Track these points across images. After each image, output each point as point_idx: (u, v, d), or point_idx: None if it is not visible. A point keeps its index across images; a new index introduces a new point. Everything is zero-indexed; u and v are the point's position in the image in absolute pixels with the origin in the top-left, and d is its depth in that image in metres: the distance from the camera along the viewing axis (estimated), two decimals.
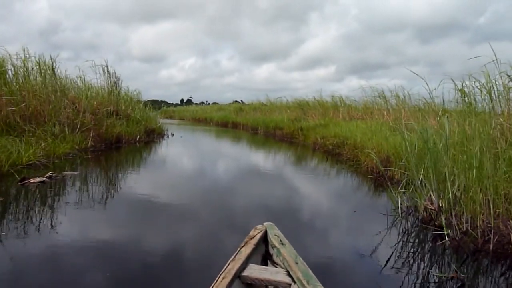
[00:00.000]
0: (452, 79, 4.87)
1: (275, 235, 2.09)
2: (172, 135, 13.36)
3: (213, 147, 11.29)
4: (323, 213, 4.29)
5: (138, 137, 10.22)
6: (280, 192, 5.23)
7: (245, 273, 1.76)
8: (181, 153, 9.43)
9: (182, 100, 77.40)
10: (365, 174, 6.31)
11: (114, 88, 11.64)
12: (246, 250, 1.88)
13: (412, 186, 3.89)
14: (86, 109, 8.74)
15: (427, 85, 5.60)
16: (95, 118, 9.11)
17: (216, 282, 1.58)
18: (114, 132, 9.02)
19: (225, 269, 1.69)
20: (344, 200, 4.91)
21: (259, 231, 2.11)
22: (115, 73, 11.71)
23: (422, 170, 3.72)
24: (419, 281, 2.45)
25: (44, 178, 4.55)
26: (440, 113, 5.96)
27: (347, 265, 2.74)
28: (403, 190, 4.02)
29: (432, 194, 3.46)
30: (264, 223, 2.22)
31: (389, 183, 4.29)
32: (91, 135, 8.14)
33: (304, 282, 1.61)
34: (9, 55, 7.51)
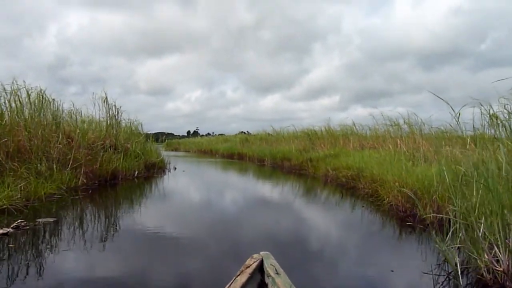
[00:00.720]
0: (480, 103, 4.16)
1: (271, 264, 2.05)
2: (175, 168, 12.60)
3: (217, 182, 10.46)
4: (348, 268, 3.39)
5: (136, 172, 9.46)
6: (295, 238, 4.33)
7: None
8: (182, 190, 8.59)
9: (188, 132, 77.51)
10: (388, 213, 5.42)
11: (113, 120, 11.08)
12: (241, 279, 1.84)
13: (462, 234, 3.02)
14: (81, 144, 8.07)
15: (453, 110, 4.83)
16: (90, 152, 8.43)
17: None
18: (109, 168, 8.29)
19: None
20: (373, 251, 3.95)
21: (255, 260, 2.07)
22: (115, 105, 11.18)
23: (477, 213, 2.88)
24: None
25: (9, 229, 3.75)
26: (468, 140, 5.17)
27: None
28: (446, 240, 3.14)
29: (497, 250, 2.59)
30: (261, 252, 2.17)
31: (433, 231, 3.40)
32: (82, 171, 7.41)
33: None
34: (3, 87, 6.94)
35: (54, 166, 6.84)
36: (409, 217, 4.91)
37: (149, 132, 15.05)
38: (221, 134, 39.30)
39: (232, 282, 1.84)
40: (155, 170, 10.98)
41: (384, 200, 5.83)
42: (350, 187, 8.00)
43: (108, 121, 10.91)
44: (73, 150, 7.84)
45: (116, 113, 11.21)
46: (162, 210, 6.01)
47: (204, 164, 17.83)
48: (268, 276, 2.02)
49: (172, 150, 35.67)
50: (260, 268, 2.11)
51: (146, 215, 5.44)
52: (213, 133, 43.83)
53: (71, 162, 7.48)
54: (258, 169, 14.60)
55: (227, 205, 6.57)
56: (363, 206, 6.08)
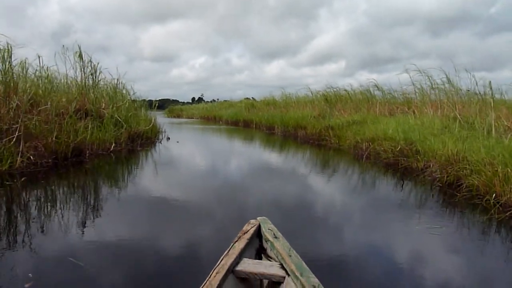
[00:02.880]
0: None
1: (268, 229, 1.98)
2: (168, 139, 10.24)
3: (218, 158, 8.05)
4: None
5: (113, 145, 7.12)
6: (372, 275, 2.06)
7: (239, 267, 1.67)
8: (168, 172, 6.03)
9: (193, 99, 74.70)
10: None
11: (89, 80, 8.64)
12: (239, 245, 1.79)
13: None
14: (26, 107, 5.71)
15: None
16: (51, 120, 6.08)
17: (209, 278, 1.49)
18: (71, 141, 5.95)
19: (218, 264, 1.60)
20: None
21: (252, 225, 2.01)
22: (91, 62, 8.71)
23: None
24: None
25: None
26: None
27: None
28: None
29: None
30: (258, 218, 2.09)
31: None
32: (21, 147, 5.08)
33: (298, 274, 1.52)
34: None
35: None
36: None
37: (149, 99, 12.72)
38: (226, 101, 36.59)
39: (230, 248, 1.75)
40: (141, 141, 8.63)
41: (501, 197, 3.47)
42: (400, 167, 5.63)
43: (82, 81, 8.54)
44: (21, 117, 5.52)
45: (94, 71, 8.79)
46: (134, 209, 3.70)
47: (205, 132, 15.45)
48: (266, 241, 1.95)
49: (175, 117, 33.32)
50: (258, 233, 2.01)
51: (106, 215, 3.17)
52: (217, 99, 41.09)
53: (16, 133, 5.19)
54: (267, 139, 12.22)
55: (231, 200, 4.20)
56: (458, 210, 3.73)
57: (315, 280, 1.47)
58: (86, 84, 8.50)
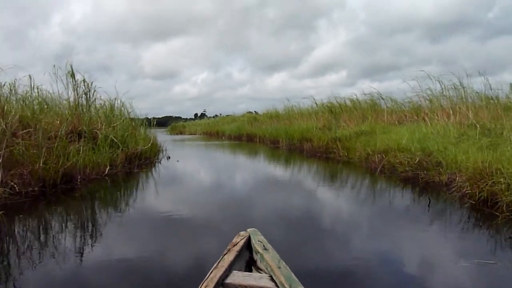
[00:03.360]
0: None
1: (258, 240, 1.94)
2: (169, 158, 9.74)
3: (221, 178, 7.46)
4: None
5: (107, 168, 6.62)
6: None
7: (228, 280, 1.63)
8: (168, 197, 5.51)
9: (196, 115, 74.46)
10: None
11: (82, 100, 8.22)
12: (229, 257, 1.75)
13: None
14: (11, 131, 5.25)
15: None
16: (34, 143, 5.61)
17: None
18: (59, 166, 5.45)
19: (208, 277, 1.57)
20: None
21: (242, 237, 1.97)
22: (85, 81, 8.30)
23: None
24: None
25: None
26: None
27: None
28: None
29: None
30: (248, 229, 2.05)
31: None
32: (1, 176, 4.58)
33: (287, 286, 1.50)
34: None
35: None
36: None
37: (151, 116, 12.41)
38: (229, 115, 36.19)
39: (219, 261, 1.72)
40: (140, 161, 8.14)
41: None
42: (420, 182, 5.07)
43: (76, 101, 8.11)
44: (4, 142, 5.05)
45: (88, 90, 8.36)
46: (126, 238, 3.17)
47: (208, 149, 14.96)
48: (256, 253, 1.91)
49: (177, 134, 32.93)
50: (248, 245, 1.97)
51: (94, 248, 2.64)
52: (220, 114, 40.74)
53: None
54: (272, 153, 11.70)
55: (237, 227, 3.66)
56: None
57: None
58: (80, 104, 8.08)
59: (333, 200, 4.79)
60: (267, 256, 1.78)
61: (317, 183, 6.15)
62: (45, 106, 7.08)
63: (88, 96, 8.32)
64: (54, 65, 8.13)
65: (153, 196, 5.25)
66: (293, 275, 1.59)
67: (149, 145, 8.95)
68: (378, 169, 6.35)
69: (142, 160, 8.31)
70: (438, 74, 13.53)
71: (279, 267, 1.66)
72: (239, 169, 8.44)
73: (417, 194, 4.77)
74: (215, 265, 1.68)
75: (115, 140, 7.53)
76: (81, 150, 6.26)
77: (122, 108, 9.77)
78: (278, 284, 1.58)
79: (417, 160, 5.41)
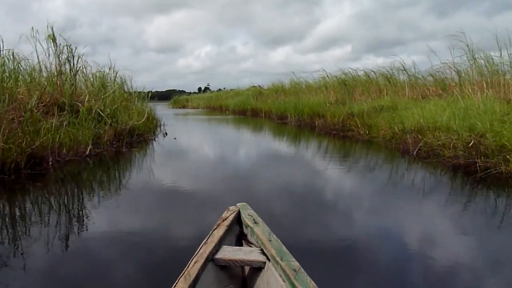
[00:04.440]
0: None
1: (248, 214, 1.85)
2: (166, 134, 8.59)
3: (224, 161, 6.31)
4: None
5: (89, 147, 5.49)
6: None
7: (218, 255, 1.56)
8: (161, 184, 4.44)
9: (199, 89, 72.78)
10: None
11: (65, 67, 7.01)
12: (218, 233, 1.66)
13: None
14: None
15: None
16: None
17: (188, 267, 1.36)
18: (26, 146, 4.31)
19: (197, 253, 1.49)
20: None
21: (232, 212, 1.87)
22: (68, 46, 7.06)
23: None
24: None
25: None
26: None
27: None
28: None
29: None
30: (237, 204, 1.95)
31: None
32: None
33: (278, 259, 1.42)
34: None
35: None
36: None
37: (154, 90, 11.24)
38: (232, 89, 34.66)
39: (209, 236, 1.63)
40: (131, 139, 7.01)
41: None
42: (479, 171, 3.91)
43: (57, 68, 6.91)
44: None
45: (71, 57, 7.13)
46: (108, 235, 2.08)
47: (210, 124, 13.77)
48: (246, 227, 1.83)
49: (180, 108, 31.70)
50: (238, 219, 1.89)
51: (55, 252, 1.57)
52: (224, 88, 39.20)
53: None
54: (281, 130, 10.52)
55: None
56: None
57: (295, 264, 1.36)
58: (62, 72, 6.88)
59: (365, 193, 3.66)
60: (258, 229, 1.69)
61: (340, 170, 5.00)
62: (15, 73, 5.86)
63: (72, 63, 7.10)
64: (32, 28, 6.93)
65: (140, 183, 4.14)
66: (284, 247, 1.50)
67: (143, 119, 7.79)
68: (415, 152, 5.18)
69: (135, 137, 7.17)
70: (443, 49, 12.09)
71: (270, 240, 1.57)
72: (248, 149, 7.29)
73: (479, 188, 3.62)
74: (204, 240, 1.59)
75: (102, 114, 6.36)
76: (57, 126, 5.10)
77: (117, 80, 8.60)
78: (269, 257, 1.50)
79: (472, 142, 4.22)
